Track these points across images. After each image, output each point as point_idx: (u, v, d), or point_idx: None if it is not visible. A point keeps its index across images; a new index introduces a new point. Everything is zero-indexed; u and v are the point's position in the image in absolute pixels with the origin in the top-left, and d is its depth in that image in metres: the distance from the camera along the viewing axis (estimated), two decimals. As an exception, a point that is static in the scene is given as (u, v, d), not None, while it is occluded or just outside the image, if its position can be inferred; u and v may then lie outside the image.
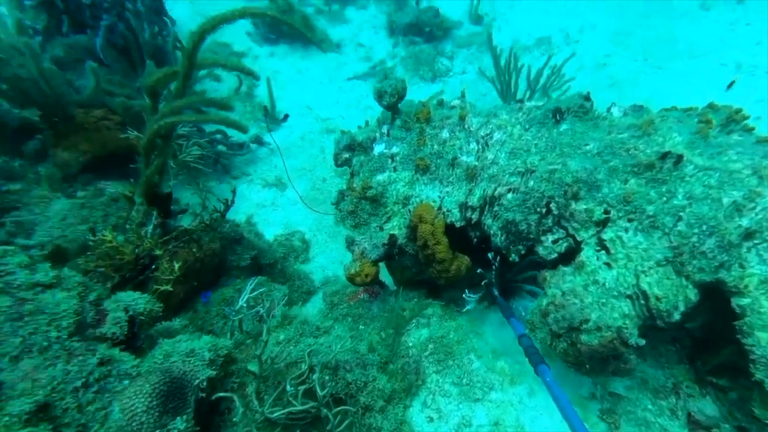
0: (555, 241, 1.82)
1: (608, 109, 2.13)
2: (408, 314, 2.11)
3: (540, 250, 1.83)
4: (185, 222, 2.01)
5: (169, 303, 1.57)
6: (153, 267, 1.58)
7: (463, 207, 2.06)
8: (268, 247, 2.41)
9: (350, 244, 2.08)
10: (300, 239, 2.76)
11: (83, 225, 1.88)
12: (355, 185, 2.07)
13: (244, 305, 1.54)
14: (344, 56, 4.71)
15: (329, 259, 2.75)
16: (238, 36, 4.47)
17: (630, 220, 1.67)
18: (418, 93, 4.36)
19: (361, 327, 2.08)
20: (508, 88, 3.68)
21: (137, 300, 1.26)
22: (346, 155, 2.44)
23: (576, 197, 1.76)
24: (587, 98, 2.04)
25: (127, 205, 1.76)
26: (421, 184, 2.12)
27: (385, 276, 2.37)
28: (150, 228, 1.62)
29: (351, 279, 2.01)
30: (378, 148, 2.18)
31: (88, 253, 1.46)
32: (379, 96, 2.11)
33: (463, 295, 2.02)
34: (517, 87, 3.66)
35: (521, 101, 2.32)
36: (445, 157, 2.12)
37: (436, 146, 2.14)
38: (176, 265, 1.57)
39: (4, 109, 1.97)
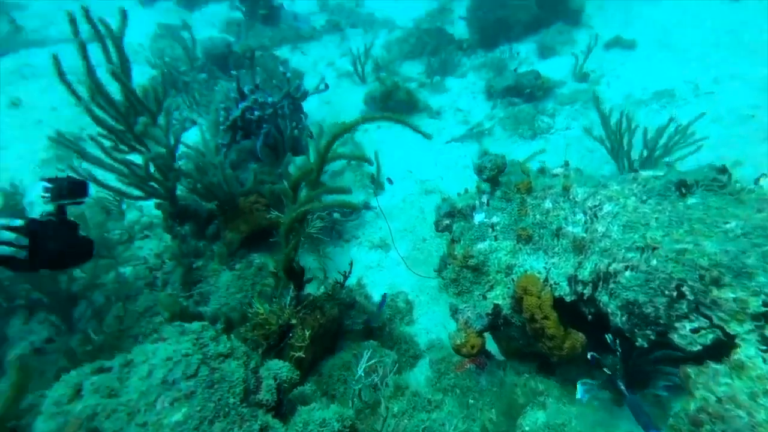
0: (695, 330, 1.61)
1: (756, 181, 1.94)
2: (521, 397, 2.07)
3: (675, 337, 1.64)
4: (310, 288, 2.33)
5: (301, 368, 1.82)
6: (290, 335, 1.87)
7: (573, 280, 2.01)
8: (377, 309, 2.61)
9: (454, 312, 2.17)
10: (404, 300, 2.92)
11: (239, 294, 2.31)
12: (456, 253, 2.19)
13: (362, 374, 1.73)
14: (443, 121, 5.05)
15: (433, 321, 2.84)
16: (352, 113, 5.15)
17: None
18: (517, 151, 4.39)
19: (470, 401, 2.10)
20: (620, 147, 3.51)
21: (282, 368, 1.52)
22: (447, 221, 2.60)
23: (717, 283, 1.56)
24: (723, 171, 1.89)
25: (273, 280, 2.16)
26: (524, 253, 2.14)
27: (491, 344, 2.38)
28: (288, 299, 1.94)
29: (457, 350, 2.08)
30: (478, 218, 2.29)
31: (246, 323, 1.82)
32: (479, 171, 2.27)
33: (578, 384, 1.89)
34: (631, 146, 3.45)
35: (636, 170, 2.25)
36: (549, 227, 2.13)
37: (538, 216, 2.18)
38: (307, 333, 1.84)
39: (199, 204, 2.64)
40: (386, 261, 3.30)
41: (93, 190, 2.36)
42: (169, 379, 1.27)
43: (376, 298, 2.85)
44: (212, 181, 2.54)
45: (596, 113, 3.63)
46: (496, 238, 2.20)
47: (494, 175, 2.27)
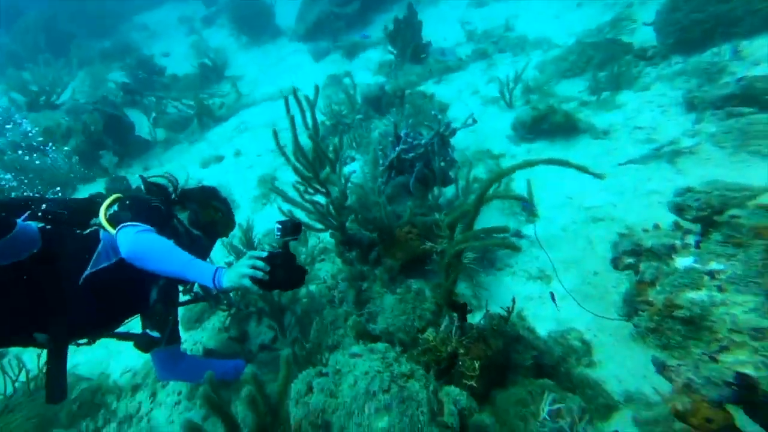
0: None
1: None
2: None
3: None
4: (473, 318, 2.36)
5: (474, 396, 1.86)
6: (459, 363, 1.93)
7: None
8: (545, 345, 2.48)
9: (661, 368, 1.86)
10: (578, 339, 2.68)
11: (403, 316, 2.50)
12: (652, 299, 1.93)
13: (548, 418, 1.66)
14: (614, 142, 4.51)
15: (624, 368, 2.47)
16: (497, 141, 5.06)
17: None
18: (747, 172, 3.51)
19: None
20: None
21: (460, 396, 1.58)
22: (630, 260, 2.32)
23: None
24: None
25: (433, 307, 2.29)
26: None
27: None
28: (453, 329, 2.01)
29: (680, 418, 1.75)
30: (683, 262, 1.97)
31: (417, 348, 1.96)
32: (679, 210, 1.96)
33: None
34: None
35: None
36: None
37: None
38: (476, 364, 1.88)
39: (362, 233, 3.08)
40: (548, 294, 3.11)
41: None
42: (370, 390, 1.46)
43: (542, 332, 2.70)
44: (375, 216, 2.96)
45: None
46: (720, 290, 1.82)
47: (705, 216, 1.93)
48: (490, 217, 3.90)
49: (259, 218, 4.92)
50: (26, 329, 1.80)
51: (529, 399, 1.90)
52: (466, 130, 5.31)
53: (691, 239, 1.97)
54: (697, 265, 1.85)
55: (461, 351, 1.98)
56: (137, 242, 1.78)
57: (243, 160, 6.61)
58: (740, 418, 1.73)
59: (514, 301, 2.25)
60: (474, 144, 5.13)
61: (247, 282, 1.67)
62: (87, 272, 1.86)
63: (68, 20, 15.02)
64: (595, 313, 2.74)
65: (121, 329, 2.22)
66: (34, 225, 1.83)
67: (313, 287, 3.42)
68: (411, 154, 3.40)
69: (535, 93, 5.73)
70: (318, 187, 2.95)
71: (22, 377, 3.28)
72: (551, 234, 3.63)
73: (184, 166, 6.91)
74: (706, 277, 1.85)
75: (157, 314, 2.13)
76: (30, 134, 7.15)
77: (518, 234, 3.66)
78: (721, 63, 4.80)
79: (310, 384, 1.56)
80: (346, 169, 5.07)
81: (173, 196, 2.42)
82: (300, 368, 1.86)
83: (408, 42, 7.59)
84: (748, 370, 1.62)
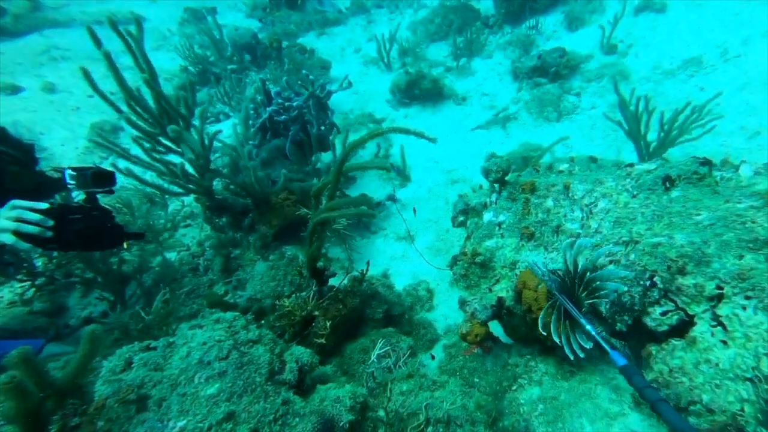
0: (664, 314, 1.82)
1: (737, 168, 2.01)
2: (521, 376, 2.28)
3: (648, 321, 1.85)
4: (339, 277, 2.57)
5: (323, 352, 2.09)
6: (314, 324, 2.14)
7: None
8: (397, 298, 2.84)
9: (462, 304, 2.37)
10: (425, 289, 3.13)
11: (273, 282, 2.61)
12: (466, 251, 2.37)
13: (375, 359, 1.97)
14: (469, 107, 5.07)
15: (451, 308, 3.05)
16: (379, 105, 5.26)
17: (748, 298, 1.59)
18: (542, 135, 4.42)
19: (476, 380, 2.33)
20: (637, 130, 3.51)
21: (303, 353, 1.78)
22: (461, 218, 2.76)
23: (682, 272, 1.76)
24: (705, 162, 1.97)
25: (298, 275, 2.43)
26: (527, 250, 2.31)
27: (499, 331, 2.57)
28: (311, 294, 2.19)
29: (463, 338, 2.30)
30: (487, 216, 2.45)
31: (275, 313, 2.10)
32: (486, 173, 2.40)
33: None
34: (648, 128, 3.47)
35: (631, 165, 2.32)
36: (550, 224, 2.28)
37: (540, 215, 2.31)
38: (327, 324, 2.10)
39: (234, 198, 2.98)
40: (410, 252, 3.49)
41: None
42: (204, 359, 1.55)
43: (400, 286, 3.08)
44: (245, 181, 2.84)
45: (622, 88, 3.59)
46: (502, 236, 2.36)
47: (500, 177, 2.39)
48: (369, 182, 4.12)
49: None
50: None
51: (371, 346, 2.22)
52: (349, 92, 5.39)
53: (494, 197, 2.45)
54: (493, 218, 2.36)
55: (317, 313, 2.18)
56: None
57: (63, 99, 5.40)
58: (497, 325, 2.37)
59: (368, 263, 2.53)
60: (357, 107, 5.25)
61: (8, 237, 1.43)
62: None
63: None
64: (432, 265, 3.21)
65: None
66: None
67: (173, 254, 3.26)
68: (284, 116, 3.32)
69: (409, 55, 5.95)
70: (170, 145, 2.73)
71: None
72: (419, 196, 4.03)
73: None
74: (497, 228, 2.40)
75: None
76: None
77: (392, 198, 3.96)
78: (532, 36, 5.73)
79: (129, 360, 1.56)
80: (215, 128, 4.74)
81: None
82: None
83: (282, -15, 7.08)
84: (503, 294, 2.23)
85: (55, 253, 2.80)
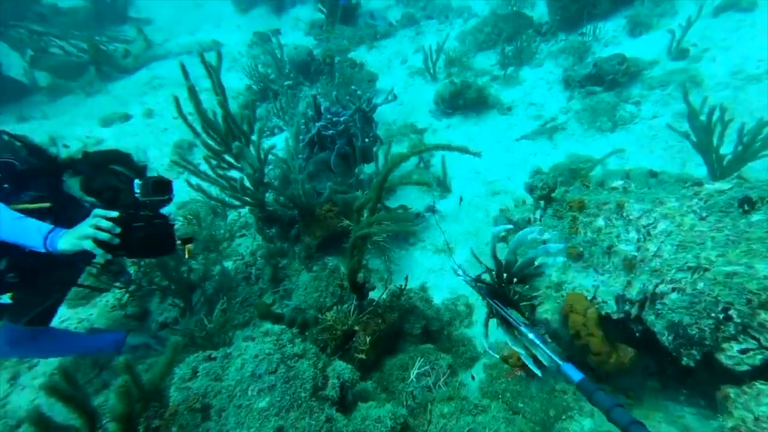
0: (744, 351, 1.63)
1: None
2: (571, 404, 2.17)
3: (723, 358, 1.66)
4: (378, 291, 2.61)
5: (364, 367, 2.14)
6: (354, 339, 2.19)
7: (620, 299, 2.04)
8: (435, 313, 2.82)
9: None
10: (464, 304, 3.08)
11: (316, 293, 2.70)
12: None
13: (414, 378, 1.98)
14: (514, 117, 4.94)
15: (491, 324, 2.98)
16: (422, 115, 5.27)
17: None
18: (594, 147, 4.21)
19: (520, 405, 2.25)
20: (708, 142, 3.22)
21: (344, 370, 1.82)
22: (503, 233, 2.69)
23: (766, 307, 1.58)
24: None
25: (339, 287, 2.50)
26: (574, 271, 2.20)
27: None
28: (352, 307, 2.25)
29: (504, 360, 2.24)
30: (531, 234, 2.37)
31: (318, 326, 2.18)
32: (531, 190, 2.33)
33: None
34: (723, 140, 3.15)
35: (699, 183, 2.15)
36: (600, 245, 2.16)
37: (589, 234, 2.21)
38: (367, 339, 2.14)
39: (282, 211, 3.15)
40: (449, 265, 3.46)
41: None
42: (256, 372, 1.64)
43: (438, 300, 3.05)
44: (293, 193, 2.99)
45: (692, 97, 3.32)
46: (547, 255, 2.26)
47: (546, 194, 2.31)
48: (409, 192, 4.15)
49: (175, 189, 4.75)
50: None
51: (410, 363, 2.22)
52: (393, 102, 5.46)
53: (538, 214, 2.37)
54: (537, 236, 2.28)
55: (357, 328, 2.22)
56: None
57: (157, 122, 6.11)
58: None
59: (407, 279, 2.54)
60: (400, 117, 5.30)
61: (88, 244, 1.52)
62: None
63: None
64: (465, 279, 3.14)
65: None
66: None
67: (230, 264, 3.47)
68: (331, 131, 3.45)
69: (456, 65, 5.93)
70: (232, 161, 2.94)
71: None
72: (459, 207, 3.96)
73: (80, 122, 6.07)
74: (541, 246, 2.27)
75: (7, 286, 1.90)
76: None
77: (432, 209, 3.95)
78: (588, 42, 5.43)
79: (195, 369, 1.69)
80: (270, 142, 5.01)
81: (58, 158, 2.11)
82: (199, 349, 1.94)
83: (336, 2, 7.30)
84: (548, 316, 2.13)
85: (143, 262, 3.12)
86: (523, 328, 1.74)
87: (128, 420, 1.44)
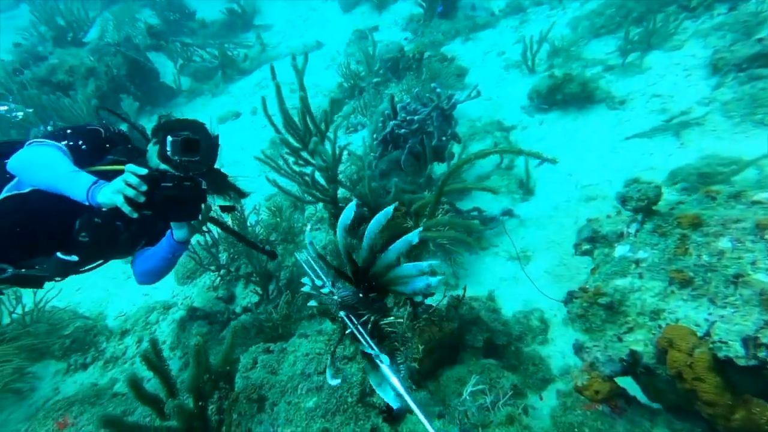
0: None
1: None
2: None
3: None
4: (438, 296, 2.47)
5: (419, 373, 2.03)
6: (407, 346, 2.08)
7: (751, 342, 1.59)
8: (503, 326, 2.57)
9: (579, 350, 1.98)
10: (539, 318, 2.75)
11: (375, 292, 2.64)
12: (587, 286, 1.97)
13: (468, 397, 1.80)
14: (628, 112, 4.24)
15: (570, 346, 2.62)
16: (512, 111, 4.82)
17: None
18: (746, 145, 3.31)
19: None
20: None
21: (394, 377, 1.73)
22: (587, 246, 2.32)
23: None
24: None
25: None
26: (678, 299, 1.79)
27: (633, 388, 2.06)
28: (406, 313, 2.14)
29: (578, 391, 1.92)
30: (621, 250, 2.00)
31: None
32: (623, 201, 1.95)
33: None
34: None
35: None
36: (722, 271, 1.71)
37: (705, 257, 1.76)
38: (420, 348, 2.02)
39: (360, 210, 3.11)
40: (523, 274, 3.13)
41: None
42: (306, 371, 1.64)
43: (508, 312, 2.78)
44: (361, 191, 2.96)
45: None
46: (640, 276, 1.89)
47: (644, 206, 1.92)
48: (486, 195, 3.86)
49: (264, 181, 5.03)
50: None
51: (468, 377, 2.03)
52: (481, 98, 5.08)
53: (633, 228, 1.97)
54: (629, 254, 1.92)
55: (408, 335, 2.11)
56: (21, 154, 1.64)
57: (259, 119, 6.57)
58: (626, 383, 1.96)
59: (465, 289, 2.34)
60: (487, 113, 4.94)
61: (119, 199, 1.46)
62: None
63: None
64: (545, 294, 2.79)
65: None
66: None
67: (303, 255, 3.58)
68: (404, 130, 3.37)
69: (560, 55, 5.33)
70: (309, 158, 3.04)
71: (19, 310, 3.38)
72: (542, 212, 3.57)
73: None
74: (633, 265, 1.90)
75: (79, 245, 1.83)
76: (52, 72, 7.03)
77: (509, 213, 3.63)
78: (765, 13, 4.19)
79: (255, 359, 1.75)
80: (352, 138, 5.10)
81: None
82: (266, 339, 2.03)
83: (433, -3, 7.11)
84: (639, 347, 1.79)
85: (232, 250, 3.39)
86: (375, 350, 1.27)
87: (199, 396, 1.56)
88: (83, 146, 1.77)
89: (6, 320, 3.37)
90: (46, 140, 1.69)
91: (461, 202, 3.59)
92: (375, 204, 3.00)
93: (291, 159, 3.04)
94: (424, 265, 1.27)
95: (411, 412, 1.72)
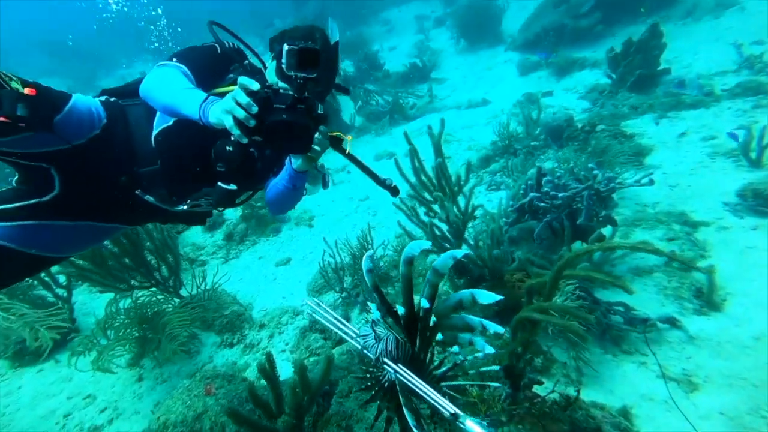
0: None
1: None
2: None
3: None
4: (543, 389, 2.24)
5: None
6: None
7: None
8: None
9: None
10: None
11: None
12: None
13: None
14: None
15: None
16: (708, 205, 4.10)
17: None
18: None
19: None
20: None
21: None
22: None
23: None
24: None
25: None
26: None
27: None
28: (503, 393, 2.02)
29: None
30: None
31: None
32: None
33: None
34: None
35: None
36: None
37: None
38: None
39: (474, 265, 3.26)
40: (682, 403, 2.57)
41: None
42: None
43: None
44: (482, 255, 3.00)
45: None
46: None
47: None
48: (645, 285, 3.36)
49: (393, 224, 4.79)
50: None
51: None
52: (663, 183, 4.52)
53: None
54: None
55: (504, 419, 1.97)
56: (146, 78, 1.60)
57: (407, 162, 7.13)
58: None
59: (578, 392, 2.06)
60: (667, 201, 4.29)
61: (228, 120, 1.30)
62: (153, 133, 1.71)
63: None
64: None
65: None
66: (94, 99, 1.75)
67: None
68: (544, 204, 3.29)
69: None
70: (438, 211, 3.23)
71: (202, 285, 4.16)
72: (731, 338, 2.87)
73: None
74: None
75: (219, 175, 1.71)
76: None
77: (672, 322, 3.06)
78: None
79: (351, 388, 1.86)
80: (493, 197, 5.10)
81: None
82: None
83: (633, 68, 6.69)
84: None
85: (357, 276, 3.79)
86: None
87: (299, 408, 1.74)
88: (203, 65, 1.70)
89: (194, 291, 4.21)
90: (168, 62, 1.64)
91: (609, 292, 3.21)
92: (494, 268, 2.98)
93: (422, 210, 3.30)
94: (476, 320, 1.24)
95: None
